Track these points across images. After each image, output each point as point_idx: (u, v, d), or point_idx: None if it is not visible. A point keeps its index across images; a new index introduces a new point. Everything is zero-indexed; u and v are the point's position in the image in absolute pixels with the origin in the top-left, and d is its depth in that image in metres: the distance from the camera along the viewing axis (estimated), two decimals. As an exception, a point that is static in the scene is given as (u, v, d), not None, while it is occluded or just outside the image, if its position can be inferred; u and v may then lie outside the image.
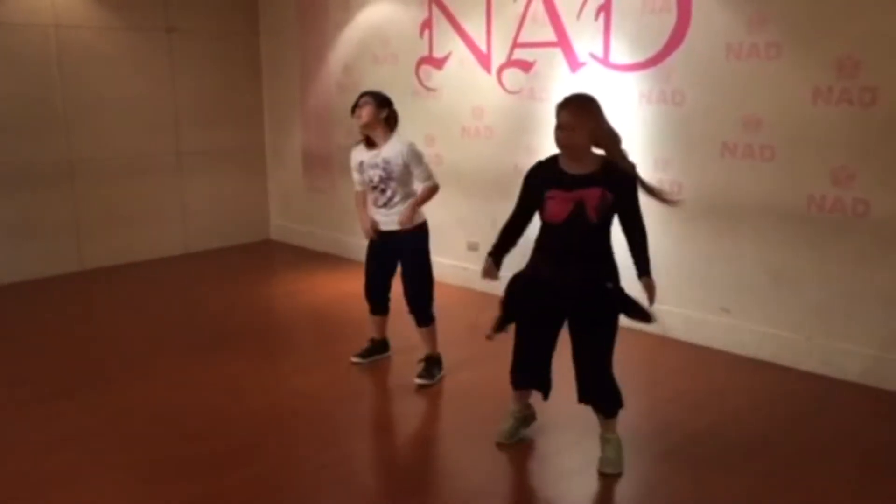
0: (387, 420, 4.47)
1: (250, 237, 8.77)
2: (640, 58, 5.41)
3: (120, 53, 7.51)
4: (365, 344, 5.05)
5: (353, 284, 6.35)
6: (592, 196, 3.37)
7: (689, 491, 3.49)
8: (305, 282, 7.14)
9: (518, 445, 3.92)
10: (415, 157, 4.55)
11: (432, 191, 4.62)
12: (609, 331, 3.56)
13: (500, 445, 3.89)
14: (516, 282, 3.69)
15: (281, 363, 5.17)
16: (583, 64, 5.74)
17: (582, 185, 3.40)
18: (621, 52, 5.52)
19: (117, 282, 7.22)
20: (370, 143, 4.64)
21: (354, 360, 4.99)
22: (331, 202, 8.00)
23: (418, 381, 4.66)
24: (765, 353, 5.04)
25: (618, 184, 3.41)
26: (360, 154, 4.69)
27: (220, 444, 3.94)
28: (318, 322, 6.08)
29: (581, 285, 3.49)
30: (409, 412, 4.49)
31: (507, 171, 6.33)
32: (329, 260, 7.82)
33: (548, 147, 6.14)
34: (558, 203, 3.42)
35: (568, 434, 3.82)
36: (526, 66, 6.13)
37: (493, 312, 3.78)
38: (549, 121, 5.99)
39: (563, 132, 3.44)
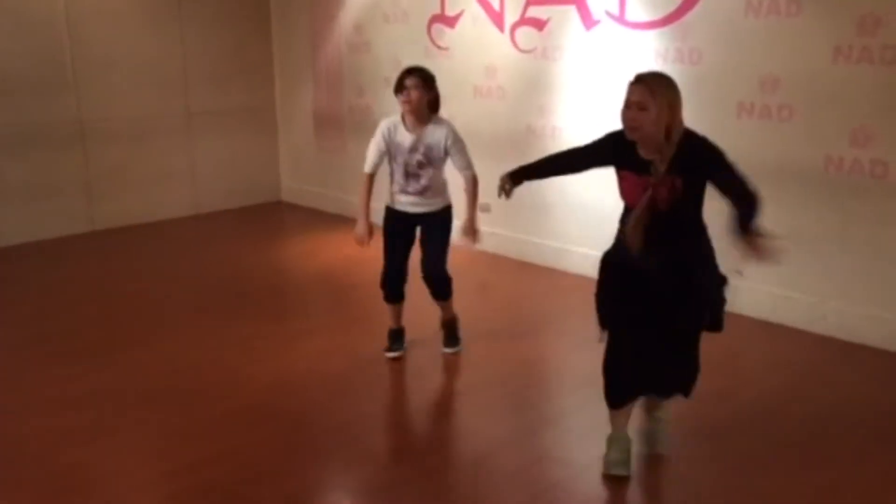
0: (398, 382, 4.47)
1: (261, 198, 8.75)
2: (656, 15, 5.29)
3: (129, 11, 7.44)
4: (387, 338, 4.62)
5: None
6: (661, 189, 3.02)
7: (702, 453, 3.49)
8: (316, 243, 7.13)
9: (526, 411, 3.92)
10: (457, 143, 4.29)
11: (477, 183, 4.39)
12: (695, 314, 3.22)
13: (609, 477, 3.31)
14: (607, 268, 3.30)
15: (292, 325, 5.17)
16: (597, 22, 5.63)
17: (651, 172, 3.04)
18: (637, 10, 5.40)
19: (128, 243, 7.23)
20: (406, 122, 4.31)
21: (391, 355, 4.57)
22: (342, 163, 7.94)
23: (449, 349, 4.59)
24: (779, 315, 5.00)
25: (694, 165, 3.02)
26: (396, 133, 4.29)
27: (234, 404, 3.97)
28: (329, 284, 6.08)
29: (662, 270, 3.10)
30: (420, 374, 4.49)
31: (519, 131, 6.25)
32: (340, 221, 7.78)
33: (560, 107, 6.07)
34: (631, 186, 3.11)
35: (574, 398, 3.81)
36: (539, 25, 6.02)
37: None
38: (563, 81, 5.99)
39: (630, 111, 3.01)
